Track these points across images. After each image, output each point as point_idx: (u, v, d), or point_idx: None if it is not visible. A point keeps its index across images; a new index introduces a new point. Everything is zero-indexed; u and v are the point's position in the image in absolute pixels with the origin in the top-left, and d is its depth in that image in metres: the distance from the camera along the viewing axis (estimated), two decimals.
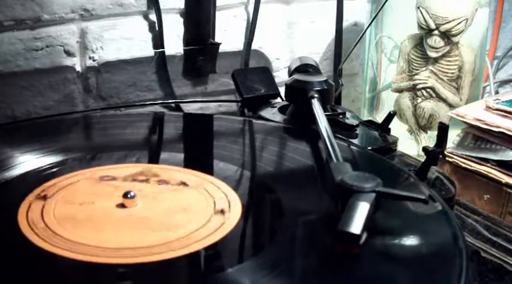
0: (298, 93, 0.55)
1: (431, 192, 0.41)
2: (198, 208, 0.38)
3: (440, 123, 0.48)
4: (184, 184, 0.41)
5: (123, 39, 0.69)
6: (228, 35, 0.75)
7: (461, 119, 0.64)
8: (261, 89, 0.64)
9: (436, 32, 0.68)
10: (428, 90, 0.71)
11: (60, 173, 0.42)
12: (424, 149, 0.47)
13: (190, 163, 0.46)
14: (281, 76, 0.79)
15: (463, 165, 0.62)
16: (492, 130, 0.61)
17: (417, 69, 0.71)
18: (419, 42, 0.70)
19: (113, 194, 0.38)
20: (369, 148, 0.52)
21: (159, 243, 0.33)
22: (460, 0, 0.69)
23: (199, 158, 0.49)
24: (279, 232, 0.36)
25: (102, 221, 0.35)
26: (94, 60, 0.67)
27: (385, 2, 0.67)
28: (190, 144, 0.52)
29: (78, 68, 0.67)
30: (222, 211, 0.37)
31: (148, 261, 0.32)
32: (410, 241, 0.35)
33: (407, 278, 0.32)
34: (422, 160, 0.47)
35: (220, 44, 0.73)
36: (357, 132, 0.55)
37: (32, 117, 0.65)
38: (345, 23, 0.79)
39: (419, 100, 0.72)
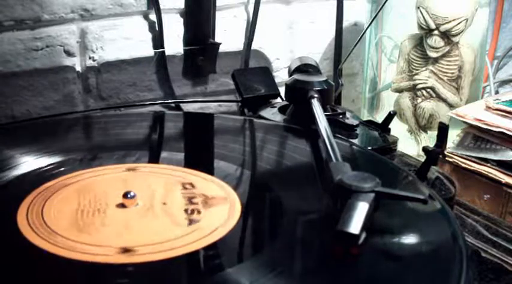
0: (298, 93, 0.55)
1: (431, 192, 0.41)
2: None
3: (440, 123, 0.48)
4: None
5: (123, 39, 0.69)
6: (228, 35, 0.75)
7: (461, 119, 0.64)
8: (261, 89, 0.64)
9: (436, 32, 0.68)
10: (428, 90, 0.71)
11: (60, 173, 0.42)
12: (424, 149, 0.47)
13: (190, 162, 0.46)
14: (281, 76, 0.79)
15: (463, 165, 0.62)
16: (492, 130, 0.61)
17: (417, 69, 0.71)
18: (419, 42, 0.70)
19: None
20: (369, 148, 0.52)
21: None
22: (460, 0, 0.69)
23: (199, 157, 0.49)
24: (279, 231, 0.36)
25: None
26: (94, 60, 0.67)
27: (385, 2, 0.67)
28: (191, 144, 0.52)
29: (78, 68, 0.67)
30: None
31: (148, 261, 0.32)
32: (410, 241, 0.35)
33: (407, 278, 0.32)
34: (422, 160, 0.47)
35: (220, 44, 0.73)
36: (357, 132, 0.55)
37: (32, 117, 0.65)
38: (345, 23, 0.79)
39: (419, 100, 0.72)
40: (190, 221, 0.36)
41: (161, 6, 0.69)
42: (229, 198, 0.39)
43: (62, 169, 0.43)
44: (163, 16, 0.70)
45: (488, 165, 0.61)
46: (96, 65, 0.68)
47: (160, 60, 0.71)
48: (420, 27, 0.69)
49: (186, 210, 0.37)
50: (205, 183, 0.41)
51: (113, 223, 0.35)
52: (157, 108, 0.67)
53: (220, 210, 0.37)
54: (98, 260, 0.32)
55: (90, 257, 0.32)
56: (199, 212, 0.37)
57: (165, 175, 0.42)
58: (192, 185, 0.41)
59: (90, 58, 0.67)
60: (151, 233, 0.34)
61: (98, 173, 0.42)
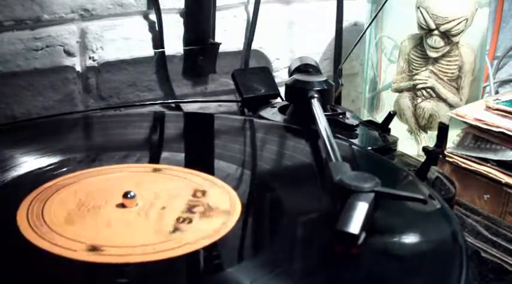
0: (298, 93, 0.55)
1: (431, 191, 0.41)
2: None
3: (440, 123, 0.48)
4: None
5: (123, 39, 0.69)
6: (228, 35, 0.75)
7: (461, 119, 0.64)
8: (261, 89, 0.64)
9: (436, 32, 0.68)
10: (428, 90, 0.71)
11: (60, 173, 0.42)
12: (424, 149, 0.47)
13: (190, 162, 0.46)
14: (281, 76, 0.79)
15: (463, 165, 0.62)
16: (492, 130, 0.61)
17: (417, 69, 0.71)
18: (419, 42, 0.70)
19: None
20: (369, 148, 0.52)
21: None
22: (460, 0, 0.69)
23: (199, 157, 0.49)
24: (279, 231, 0.36)
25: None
26: (94, 60, 0.68)
27: (385, 2, 0.67)
28: (191, 144, 0.52)
29: (78, 68, 0.67)
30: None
31: (148, 261, 0.32)
32: (410, 241, 0.35)
33: (407, 278, 0.32)
34: (422, 160, 0.47)
35: (220, 44, 0.73)
36: (357, 132, 0.55)
37: (32, 117, 0.65)
38: (345, 23, 0.79)
39: (419, 100, 0.72)
40: (175, 230, 0.35)
41: (161, 6, 0.69)
42: (230, 197, 0.39)
43: (62, 169, 0.43)
44: (163, 16, 0.70)
45: (488, 165, 0.61)
46: (96, 65, 0.68)
47: (160, 60, 0.71)
48: (420, 27, 0.69)
49: (178, 218, 0.36)
50: (217, 194, 0.40)
51: (112, 223, 0.35)
52: (158, 108, 0.67)
53: (214, 221, 0.36)
54: (98, 260, 0.31)
55: (90, 257, 0.32)
56: (190, 221, 0.36)
57: (182, 179, 0.42)
58: (204, 193, 0.40)
59: (90, 58, 0.67)
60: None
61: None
